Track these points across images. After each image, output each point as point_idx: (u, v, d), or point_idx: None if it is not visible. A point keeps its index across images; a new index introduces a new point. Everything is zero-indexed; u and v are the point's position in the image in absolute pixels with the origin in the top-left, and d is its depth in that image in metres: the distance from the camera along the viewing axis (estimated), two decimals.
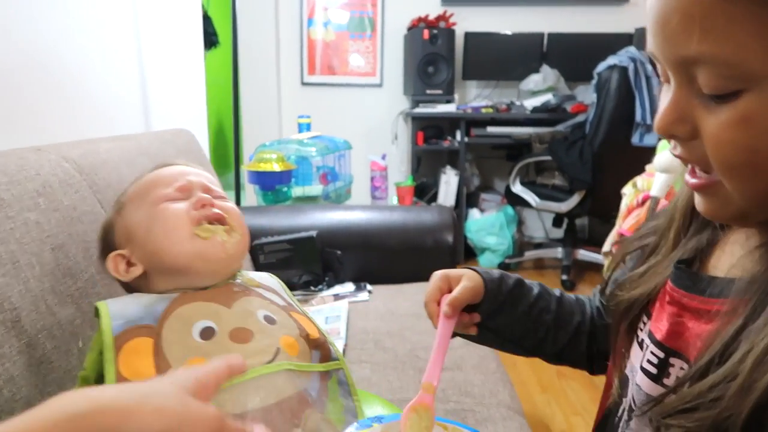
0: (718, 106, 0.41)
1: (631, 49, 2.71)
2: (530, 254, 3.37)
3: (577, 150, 2.81)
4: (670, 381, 0.50)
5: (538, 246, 3.57)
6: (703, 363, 0.44)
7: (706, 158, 0.44)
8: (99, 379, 0.63)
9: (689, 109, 0.44)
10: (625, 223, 1.93)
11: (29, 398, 0.68)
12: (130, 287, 0.75)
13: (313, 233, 1.54)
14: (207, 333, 0.65)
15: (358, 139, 3.05)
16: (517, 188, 3.13)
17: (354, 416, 0.67)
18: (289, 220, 1.65)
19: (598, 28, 3.45)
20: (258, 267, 1.51)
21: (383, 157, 2.60)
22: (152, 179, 0.77)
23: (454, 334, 0.67)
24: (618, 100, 2.65)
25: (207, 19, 3.47)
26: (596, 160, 2.76)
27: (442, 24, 3.30)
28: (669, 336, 0.51)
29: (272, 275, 0.82)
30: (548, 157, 2.97)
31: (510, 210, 3.43)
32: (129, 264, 0.73)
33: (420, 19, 3.33)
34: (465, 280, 0.67)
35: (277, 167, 1.88)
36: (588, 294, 0.76)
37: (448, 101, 3.34)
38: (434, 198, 3.40)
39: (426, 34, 3.23)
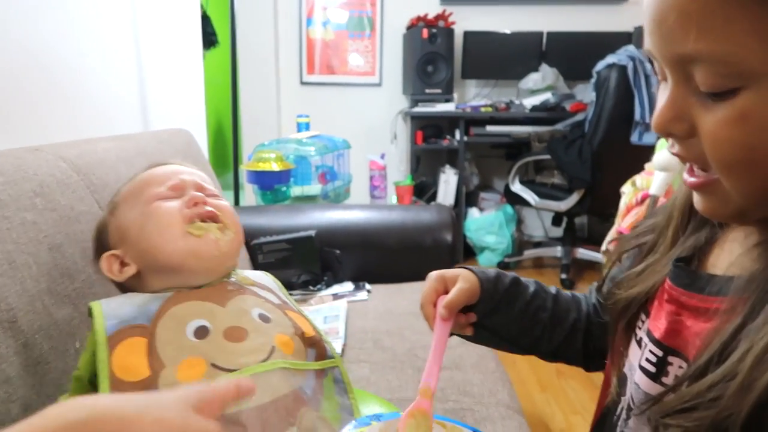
0: (715, 104, 0.41)
1: (630, 48, 2.71)
2: (529, 253, 3.37)
3: (576, 149, 2.81)
4: (668, 380, 0.50)
5: (538, 245, 3.57)
6: (702, 362, 0.44)
7: (703, 156, 0.43)
8: (93, 379, 0.62)
9: (686, 107, 0.43)
10: (624, 222, 1.93)
11: (26, 399, 0.68)
12: (124, 287, 0.75)
13: (312, 233, 1.54)
14: (201, 332, 0.64)
15: (357, 139, 3.04)
16: (517, 187, 3.13)
17: (350, 414, 0.67)
18: (287, 219, 1.65)
19: (597, 27, 3.45)
20: (257, 266, 1.51)
21: (382, 157, 2.59)
22: (145, 179, 0.77)
23: (450, 335, 0.67)
24: (617, 98, 2.65)
25: (206, 19, 3.47)
26: (595, 159, 2.76)
27: (441, 23, 3.30)
28: (667, 334, 0.51)
29: (267, 273, 0.82)
30: (547, 156, 2.97)
31: (509, 209, 3.43)
32: (123, 264, 0.73)
33: (419, 19, 3.33)
34: (461, 281, 0.66)
35: (275, 167, 1.87)
36: (586, 293, 0.76)
37: (447, 100, 3.33)
38: (433, 197, 3.40)
39: (425, 33, 3.22)
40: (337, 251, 1.56)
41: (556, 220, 3.34)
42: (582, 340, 0.71)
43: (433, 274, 0.68)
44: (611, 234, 2.03)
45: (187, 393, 0.42)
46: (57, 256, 0.79)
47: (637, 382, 0.53)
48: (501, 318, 0.69)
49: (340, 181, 2.18)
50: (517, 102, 3.41)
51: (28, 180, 0.81)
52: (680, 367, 0.50)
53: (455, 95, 3.38)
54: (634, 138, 2.66)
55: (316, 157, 2.04)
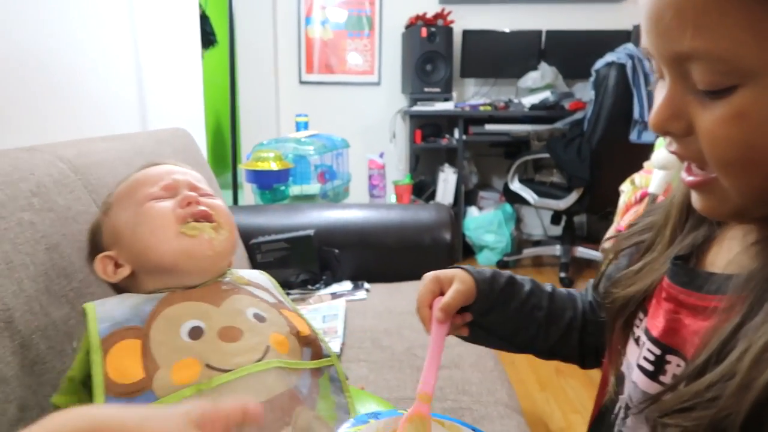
0: (712, 102, 0.41)
1: (629, 46, 2.71)
2: (528, 252, 3.37)
3: (575, 147, 2.81)
4: (666, 378, 0.50)
5: (537, 243, 3.57)
6: (700, 361, 0.44)
7: (701, 154, 0.43)
8: (86, 380, 0.62)
9: (684, 106, 0.43)
10: (623, 220, 1.93)
11: (23, 399, 0.67)
12: (119, 288, 0.75)
13: (311, 232, 1.53)
14: (195, 332, 0.64)
15: (356, 138, 3.04)
16: (516, 186, 3.13)
17: (346, 413, 0.67)
18: (286, 218, 1.65)
19: (596, 26, 3.44)
20: (255, 266, 1.51)
21: (381, 156, 2.59)
22: (138, 179, 0.76)
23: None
24: (616, 97, 2.65)
25: (205, 19, 3.46)
26: (594, 158, 2.76)
27: (440, 22, 3.30)
28: (665, 333, 0.51)
29: (263, 272, 0.82)
30: (546, 155, 2.97)
31: (508, 208, 3.43)
32: (117, 265, 0.72)
33: (418, 17, 3.32)
34: (457, 282, 0.66)
35: (274, 166, 1.87)
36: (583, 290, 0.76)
37: (446, 99, 3.33)
38: (432, 196, 3.40)
39: (424, 32, 3.22)
40: (336, 250, 1.56)
41: (555, 218, 3.34)
42: (578, 338, 0.70)
43: (429, 276, 0.67)
44: (610, 232, 2.03)
45: (191, 409, 0.42)
46: (54, 256, 0.79)
47: (635, 381, 0.53)
48: (496, 317, 0.68)
49: (339, 180, 2.18)
50: (516, 101, 3.40)
51: (25, 180, 0.81)
52: (678, 365, 0.49)
53: (454, 94, 3.37)
54: (633, 136, 2.66)
55: (314, 156, 2.04)
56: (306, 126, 2.35)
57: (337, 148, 2.19)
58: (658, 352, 0.51)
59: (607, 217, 2.01)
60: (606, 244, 0.67)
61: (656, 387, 0.50)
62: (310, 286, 1.52)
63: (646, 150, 2.14)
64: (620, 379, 0.58)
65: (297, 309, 0.76)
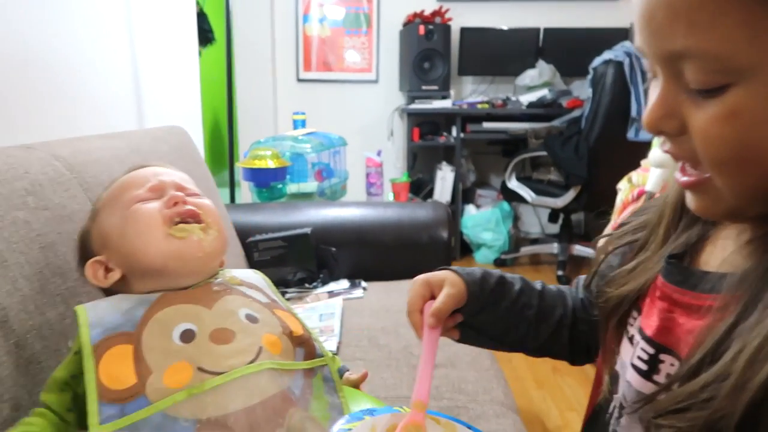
0: (705, 101, 0.41)
1: (627, 44, 2.71)
2: (526, 250, 3.37)
3: (572, 145, 2.81)
4: (660, 377, 0.50)
5: (534, 242, 3.57)
6: (694, 361, 0.43)
7: (695, 154, 0.43)
8: (71, 381, 0.63)
9: (677, 105, 0.43)
10: (620, 219, 1.93)
11: (17, 399, 0.67)
12: (111, 293, 0.74)
13: (308, 230, 1.53)
14: (187, 335, 0.64)
15: (354, 136, 3.04)
16: (513, 184, 3.13)
17: (340, 413, 0.66)
18: (283, 217, 1.65)
19: (594, 23, 3.44)
20: (252, 264, 1.51)
21: (379, 154, 2.59)
22: (124, 182, 0.76)
23: None
24: (613, 95, 2.65)
25: (203, 16, 3.46)
26: (592, 155, 2.76)
27: (437, 20, 3.29)
28: (659, 332, 0.51)
29: (257, 272, 0.81)
30: (544, 153, 2.97)
31: (506, 206, 3.43)
32: (107, 270, 0.72)
33: (415, 15, 3.32)
34: (447, 286, 0.65)
35: (271, 164, 1.87)
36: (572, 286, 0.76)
37: (444, 97, 3.33)
38: (430, 194, 3.40)
39: (422, 29, 3.22)
40: (333, 249, 1.56)
41: (553, 216, 3.34)
42: (568, 335, 0.70)
43: (418, 280, 0.67)
44: (607, 230, 2.02)
45: None
46: (49, 255, 0.79)
47: (629, 380, 0.53)
48: (487, 317, 0.68)
49: (336, 178, 2.18)
50: (513, 98, 3.40)
51: (20, 178, 0.81)
52: (672, 365, 0.49)
53: (452, 92, 3.37)
54: (631, 134, 2.66)
55: (312, 154, 2.04)
56: (303, 124, 2.34)
57: (335, 146, 2.18)
58: (651, 351, 0.51)
59: (605, 215, 2.00)
60: (599, 243, 0.66)
61: (650, 386, 0.50)
62: (307, 285, 1.52)
63: (644, 148, 2.14)
64: (614, 378, 0.58)
65: (291, 308, 0.76)
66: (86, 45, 1.39)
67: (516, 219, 3.68)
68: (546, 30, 3.45)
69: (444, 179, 3.35)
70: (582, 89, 3.22)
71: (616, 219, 1.98)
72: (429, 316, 0.63)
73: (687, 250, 0.53)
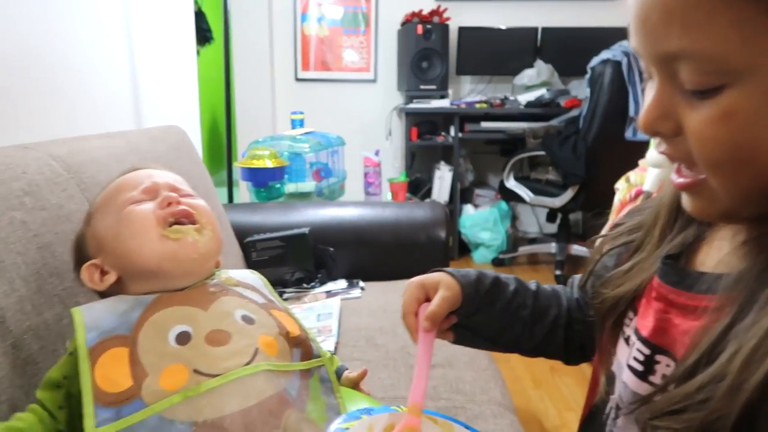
0: (700, 102, 0.41)
1: (625, 44, 2.71)
2: (524, 249, 3.37)
3: (570, 145, 2.81)
4: (656, 378, 0.50)
5: (532, 241, 3.57)
6: (690, 362, 0.43)
7: (690, 155, 0.43)
8: (65, 381, 0.63)
9: (672, 106, 0.43)
10: (616, 219, 1.93)
11: (14, 400, 0.67)
12: (107, 295, 0.74)
13: (306, 230, 1.53)
14: (183, 338, 0.64)
15: (352, 135, 3.04)
16: (511, 183, 3.13)
17: (337, 413, 0.66)
18: (281, 216, 1.65)
19: (592, 23, 3.44)
20: (250, 264, 1.51)
21: (377, 153, 2.59)
22: (117, 185, 0.76)
23: None
24: (611, 94, 2.65)
25: (201, 15, 3.46)
26: (590, 155, 2.76)
27: (435, 19, 3.30)
28: (655, 333, 0.51)
29: (254, 272, 0.81)
30: (542, 152, 2.97)
31: (504, 205, 3.43)
32: (103, 272, 0.72)
33: (414, 14, 3.32)
34: (442, 288, 0.65)
35: (269, 164, 1.87)
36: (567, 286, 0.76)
37: (442, 96, 3.33)
38: (428, 194, 3.40)
39: (420, 29, 3.22)
40: (331, 248, 1.56)
41: (551, 216, 3.34)
42: (563, 335, 0.70)
43: (413, 282, 0.66)
44: (605, 230, 2.02)
45: None
46: (46, 256, 0.79)
47: (625, 381, 0.53)
48: (482, 318, 0.68)
49: (334, 178, 2.18)
50: (511, 98, 3.41)
51: (17, 178, 0.80)
52: (668, 365, 0.49)
53: (450, 91, 3.37)
54: (629, 134, 2.67)
55: (310, 154, 2.04)
56: (301, 123, 2.34)
57: (333, 146, 2.18)
58: (647, 352, 0.51)
59: (603, 214, 2.01)
60: (595, 243, 0.66)
61: (646, 387, 0.50)
62: (305, 285, 1.52)
63: (642, 147, 2.14)
64: (611, 379, 0.58)
65: (288, 308, 0.76)
66: (84, 44, 1.39)
67: (514, 219, 3.68)
68: (544, 29, 3.45)
69: (442, 179, 3.35)
70: (580, 89, 3.23)
71: (614, 218, 1.98)
72: (424, 320, 0.63)
73: (683, 250, 0.53)
